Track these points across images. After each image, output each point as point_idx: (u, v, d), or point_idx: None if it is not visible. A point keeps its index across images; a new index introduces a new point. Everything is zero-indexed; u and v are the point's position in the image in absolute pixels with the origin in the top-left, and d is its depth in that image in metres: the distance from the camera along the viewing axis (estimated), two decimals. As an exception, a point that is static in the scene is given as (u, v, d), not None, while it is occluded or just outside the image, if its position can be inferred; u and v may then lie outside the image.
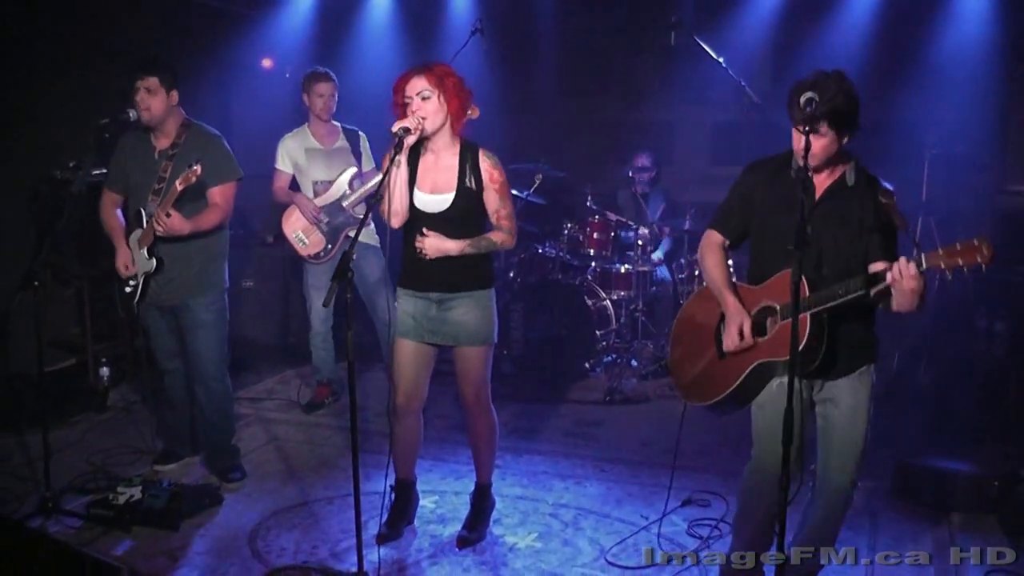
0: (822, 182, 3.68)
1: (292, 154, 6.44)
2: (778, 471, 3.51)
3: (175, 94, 5.03)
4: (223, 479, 5.28)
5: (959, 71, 7.52)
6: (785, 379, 3.72)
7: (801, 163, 3.38)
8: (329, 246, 6.35)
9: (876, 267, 3.45)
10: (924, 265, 3.27)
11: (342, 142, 6.46)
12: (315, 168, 6.42)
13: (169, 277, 5.06)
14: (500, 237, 4.36)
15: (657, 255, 8.02)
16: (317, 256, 6.40)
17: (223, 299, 5.27)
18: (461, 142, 4.36)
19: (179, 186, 4.74)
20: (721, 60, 6.86)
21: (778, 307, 3.70)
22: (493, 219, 4.37)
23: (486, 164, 4.32)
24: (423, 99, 4.18)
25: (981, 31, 7.51)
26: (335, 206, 6.32)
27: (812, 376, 3.73)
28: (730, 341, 3.76)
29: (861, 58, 7.50)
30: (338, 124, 6.52)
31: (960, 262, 3.18)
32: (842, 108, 3.46)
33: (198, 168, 4.72)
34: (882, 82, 7.89)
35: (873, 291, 3.42)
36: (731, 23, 8.22)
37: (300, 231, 6.43)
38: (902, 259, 3.32)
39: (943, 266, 3.23)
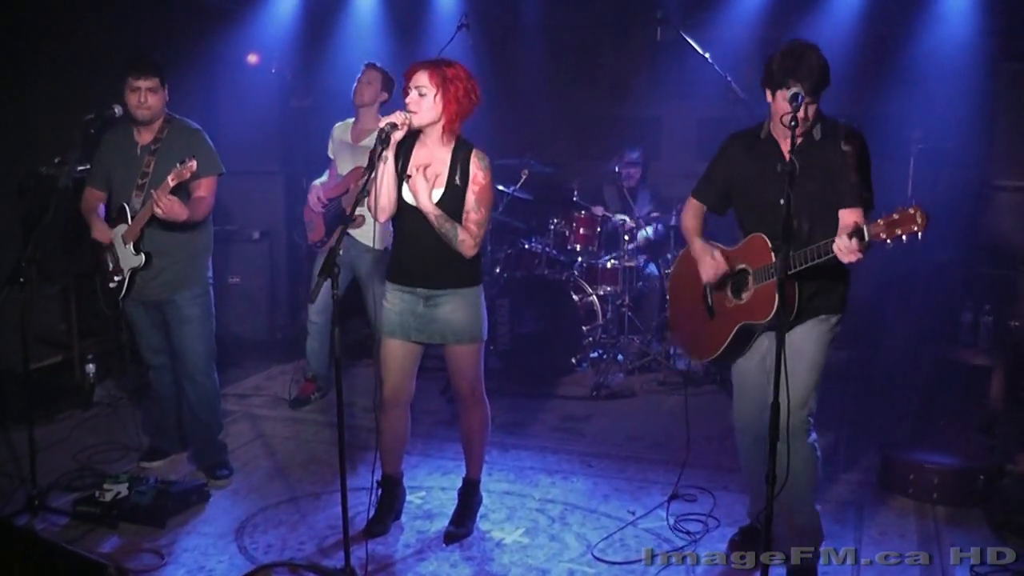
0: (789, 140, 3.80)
1: (334, 143, 6.48)
2: (757, 426, 4.00)
3: (166, 91, 5.04)
4: (210, 475, 5.26)
5: (945, 66, 7.50)
6: (756, 345, 4.12)
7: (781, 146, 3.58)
8: (326, 237, 6.40)
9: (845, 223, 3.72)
10: (867, 237, 3.44)
11: (372, 140, 6.38)
12: (341, 162, 6.43)
13: (154, 272, 5.04)
14: (463, 235, 4.24)
15: (645, 234, 7.95)
16: (315, 244, 6.54)
17: (209, 293, 5.25)
18: (457, 139, 4.33)
19: (172, 181, 4.73)
20: (707, 55, 6.86)
21: (751, 270, 3.96)
22: (463, 219, 4.27)
23: (475, 165, 4.27)
24: (420, 95, 4.17)
25: (967, 26, 7.50)
26: (338, 200, 6.34)
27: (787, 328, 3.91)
28: (708, 274, 4.08)
29: (847, 52, 7.48)
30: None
31: (899, 231, 3.35)
32: (821, 77, 3.68)
33: (193, 164, 4.73)
34: (868, 76, 7.90)
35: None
36: (717, 18, 8.20)
37: (312, 219, 6.53)
38: (843, 238, 3.50)
39: (884, 236, 3.40)
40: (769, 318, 3.83)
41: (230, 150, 5.66)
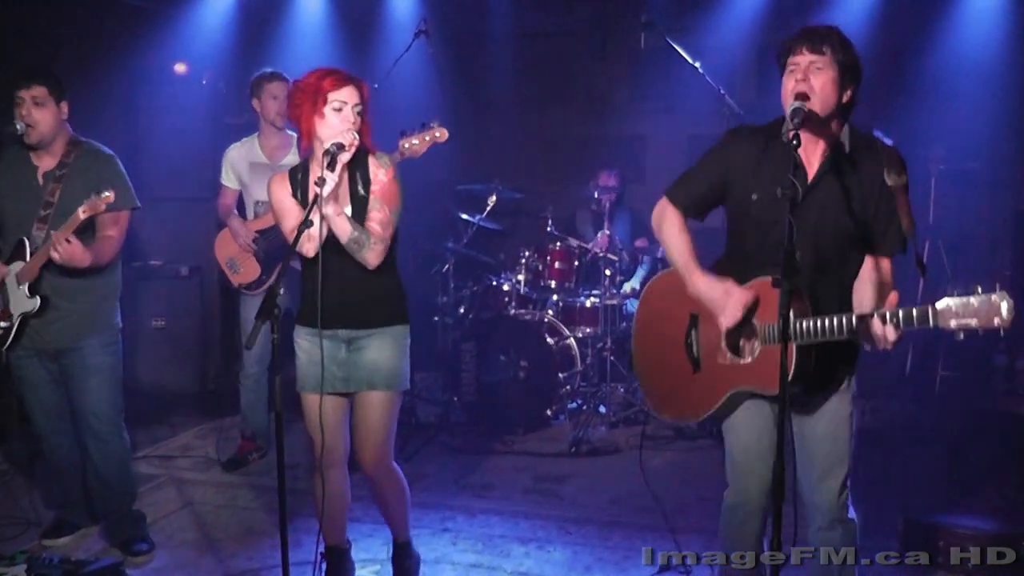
0: (814, 155, 3.60)
1: (236, 167, 6.40)
2: (762, 501, 3.74)
3: (65, 106, 4.91)
4: (126, 552, 5.14)
5: (970, 75, 7.56)
6: (762, 402, 3.79)
7: (791, 173, 3.28)
8: (264, 276, 6.31)
9: (863, 305, 3.48)
10: (932, 323, 3.17)
11: (292, 156, 6.35)
12: (258, 186, 6.33)
13: (55, 316, 4.91)
14: (372, 238, 4.14)
15: (632, 284, 7.99)
16: (249, 286, 6.39)
17: (118, 340, 5.14)
18: None
19: (83, 214, 4.63)
20: (698, 65, 6.87)
21: (756, 323, 3.64)
22: (365, 223, 4.18)
23: (373, 166, 4.24)
24: (358, 113, 4.12)
25: (993, 31, 7.57)
26: (275, 231, 6.25)
27: (794, 401, 3.66)
28: (728, 317, 3.63)
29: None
30: (293, 135, 6.37)
31: (974, 324, 3.11)
32: (844, 43, 3.51)
33: (111, 196, 4.63)
34: (881, 88, 7.95)
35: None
36: (709, 23, 8.26)
37: (233, 257, 6.39)
38: (876, 322, 3.28)
39: (954, 327, 3.13)
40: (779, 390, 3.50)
41: (154, 174, 5.60)
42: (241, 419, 6.71)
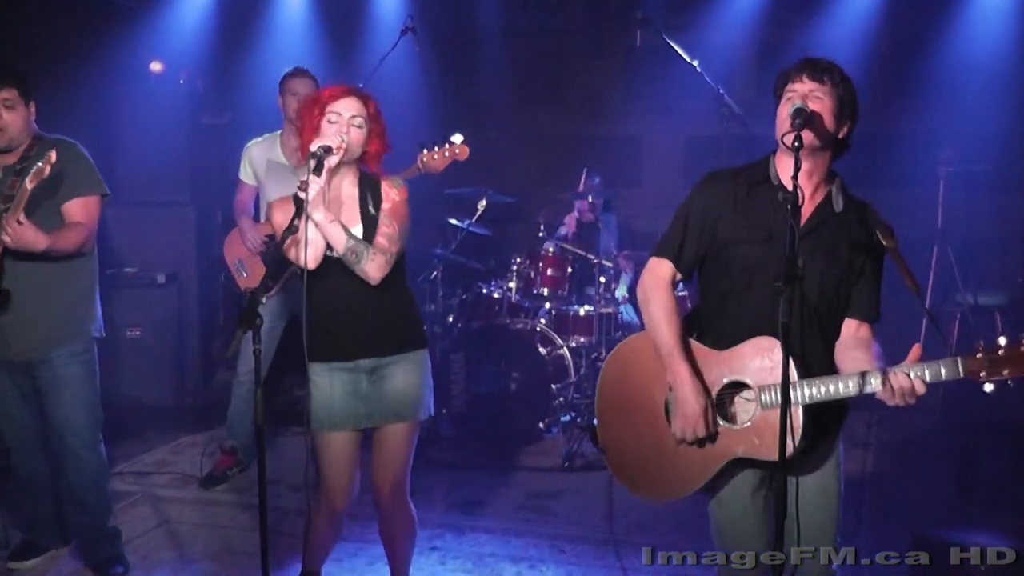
0: (806, 190, 3.47)
1: (254, 163, 6.36)
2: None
3: (33, 106, 4.87)
4: (100, 574, 5.11)
5: (977, 76, 7.56)
6: (745, 471, 3.68)
7: (789, 186, 3.22)
8: (271, 281, 6.27)
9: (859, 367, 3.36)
10: (962, 372, 3.15)
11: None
12: (273, 186, 6.24)
13: (24, 321, 4.83)
14: (373, 251, 4.07)
15: (620, 292, 7.97)
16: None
17: (93, 349, 5.07)
18: (359, 171, 4.27)
19: (30, 184, 4.50)
20: (696, 63, 6.87)
21: (755, 387, 3.50)
22: (373, 238, 4.15)
23: (386, 186, 4.23)
24: (354, 126, 4.10)
25: (1002, 31, 7.57)
26: None
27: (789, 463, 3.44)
28: (685, 429, 3.51)
29: (862, 60, 7.54)
30: None
31: (1006, 374, 3.10)
32: (844, 77, 3.42)
33: (53, 154, 4.51)
34: (887, 88, 7.95)
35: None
36: (708, 20, 8.26)
37: (242, 259, 6.40)
38: (899, 375, 3.21)
39: (984, 376, 3.12)
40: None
41: (129, 177, 5.54)
42: (226, 429, 6.67)
